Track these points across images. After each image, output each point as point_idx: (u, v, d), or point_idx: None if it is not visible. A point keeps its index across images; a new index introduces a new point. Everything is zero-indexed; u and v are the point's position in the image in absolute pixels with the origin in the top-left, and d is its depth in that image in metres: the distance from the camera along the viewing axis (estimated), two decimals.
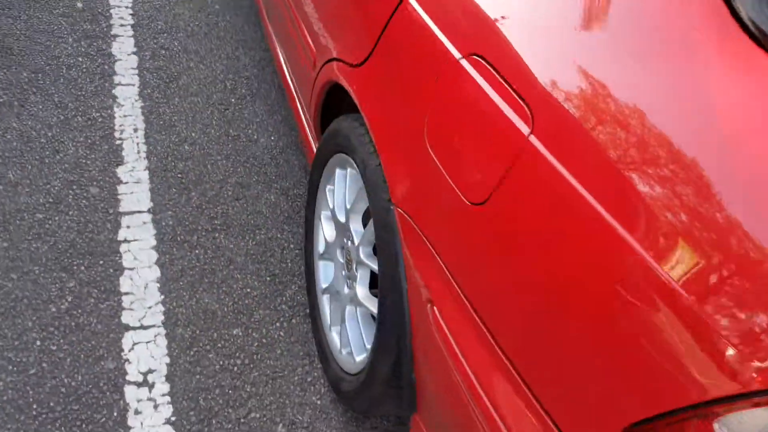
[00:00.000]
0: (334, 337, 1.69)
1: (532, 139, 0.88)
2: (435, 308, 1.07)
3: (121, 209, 2.05)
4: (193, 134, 2.39)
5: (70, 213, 1.99)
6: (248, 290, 1.92)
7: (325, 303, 1.76)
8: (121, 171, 2.18)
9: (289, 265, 2.03)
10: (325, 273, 1.79)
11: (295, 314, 1.89)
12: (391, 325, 1.23)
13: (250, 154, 2.37)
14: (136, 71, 2.62)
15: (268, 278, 1.98)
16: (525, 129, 0.89)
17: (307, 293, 1.87)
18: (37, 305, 1.73)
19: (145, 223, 2.03)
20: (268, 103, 2.62)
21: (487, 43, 0.99)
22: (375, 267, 1.39)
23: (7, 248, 1.85)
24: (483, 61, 0.98)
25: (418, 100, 1.11)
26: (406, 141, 1.14)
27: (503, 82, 0.94)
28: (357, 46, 1.34)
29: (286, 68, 2.14)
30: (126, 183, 2.14)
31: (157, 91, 2.53)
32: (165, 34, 2.84)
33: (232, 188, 2.23)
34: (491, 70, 0.96)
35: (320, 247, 1.80)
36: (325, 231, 1.74)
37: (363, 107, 1.31)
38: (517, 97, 0.92)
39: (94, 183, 2.10)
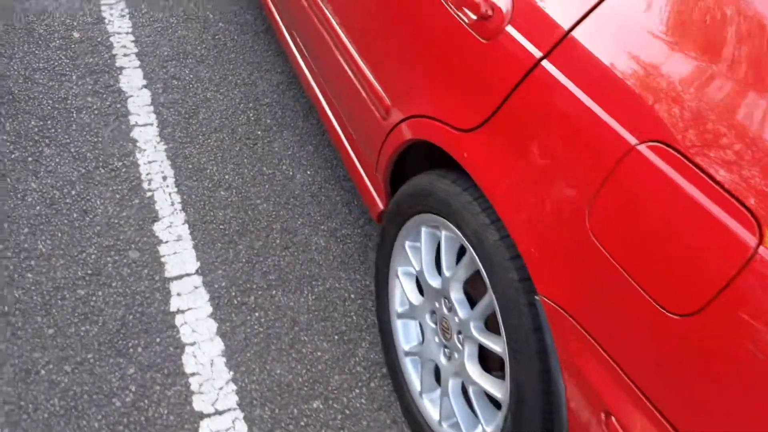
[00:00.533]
0: (428, 405, 1.57)
1: (762, 251, 0.76)
2: (614, 419, 0.95)
3: (167, 274, 1.88)
4: (226, 176, 2.22)
5: (114, 285, 1.82)
6: (319, 353, 1.78)
7: (410, 367, 1.64)
8: (158, 228, 2.00)
9: (355, 318, 1.89)
10: (407, 334, 1.66)
11: (372, 376, 1.76)
12: (535, 424, 1.12)
13: (290, 193, 2.21)
14: (152, 108, 2.43)
15: (336, 337, 1.84)
16: (752, 241, 0.77)
17: (384, 353, 1.73)
18: (99, 400, 1.57)
19: (196, 287, 1.86)
20: (296, 132, 2.45)
21: (673, 127, 0.86)
22: (490, 345, 1.27)
23: (55, 335, 1.67)
24: (672, 151, 0.85)
25: (573, 182, 0.97)
26: (553, 225, 1.01)
27: (709, 180, 0.81)
28: (465, 107, 1.19)
29: (326, 103, 1.97)
30: (167, 242, 1.97)
31: (178, 130, 2.34)
32: (173, 62, 2.64)
33: (279, 235, 2.07)
34: (688, 164, 0.83)
35: (397, 304, 1.67)
36: (406, 289, 1.60)
37: (479, 177, 1.17)
38: (733, 199, 0.79)
39: (133, 246, 1.93)
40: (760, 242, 0.76)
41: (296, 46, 2.21)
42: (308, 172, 2.32)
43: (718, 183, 0.80)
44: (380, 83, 1.52)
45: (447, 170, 1.35)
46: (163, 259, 1.91)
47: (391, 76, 1.47)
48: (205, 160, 2.26)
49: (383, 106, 1.52)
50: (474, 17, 1.17)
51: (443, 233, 1.39)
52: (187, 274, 1.89)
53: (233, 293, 1.87)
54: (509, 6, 1.10)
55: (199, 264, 1.92)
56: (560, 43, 1.01)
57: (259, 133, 2.42)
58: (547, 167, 1.03)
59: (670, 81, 0.88)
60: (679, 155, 0.85)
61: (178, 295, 1.83)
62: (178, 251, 1.95)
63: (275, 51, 2.83)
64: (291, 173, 2.29)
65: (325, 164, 2.35)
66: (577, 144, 0.96)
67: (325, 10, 1.77)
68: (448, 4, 1.23)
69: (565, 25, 1.00)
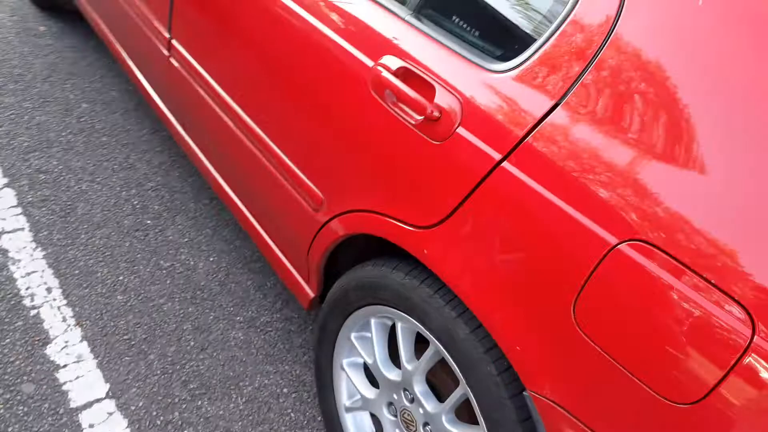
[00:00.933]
0: None
1: (759, 341, 0.81)
2: None
3: (73, 404, 1.65)
4: (120, 278, 2.02)
5: (10, 431, 1.56)
6: None
7: None
8: (52, 351, 1.76)
9: (293, 415, 1.79)
10: (359, 427, 1.59)
11: None
12: None
13: (195, 286, 2.06)
14: (19, 209, 2.16)
15: None
16: (746, 332, 0.82)
17: None
18: None
19: (110, 413, 1.66)
20: (190, 216, 2.31)
21: (652, 225, 0.90)
22: None
23: None
24: (655, 249, 0.89)
25: (554, 280, 0.99)
26: (537, 321, 1.02)
27: (695, 275, 0.86)
28: (419, 205, 1.18)
29: (231, 188, 1.87)
30: (65, 366, 1.74)
31: (55, 231, 2.10)
32: (36, 153, 2.38)
33: (192, 336, 1.91)
34: (672, 260, 0.88)
35: (345, 398, 1.60)
36: (356, 382, 1.54)
37: (445, 273, 1.16)
38: (721, 292, 0.84)
39: (25, 378, 1.68)
40: (754, 332, 0.82)
41: (181, 124, 2.08)
42: (211, 259, 2.18)
43: (704, 277, 0.85)
44: (308, 176, 1.47)
45: (397, 261, 1.33)
46: (64, 387, 1.68)
47: (323, 170, 1.42)
48: (93, 263, 2.04)
49: (313, 199, 1.47)
50: (419, 118, 1.17)
51: (399, 324, 1.35)
52: (97, 400, 1.67)
53: (154, 413, 1.69)
54: (458, 108, 1.11)
55: (108, 386, 1.72)
56: (518, 146, 1.03)
57: (149, 222, 2.24)
58: (521, 264, 1.04)
59: (638, 179, 0.92)
60: (661, 252, 0.89)
61: (91, 426, 1.61)
62: (80, 374, 1.72)
63: (151, 128, 2.65)
64: (192, 263, 2.14)
65: (227, 247, 2.23)
66: (553, 242, 0.98)
67: (232, 103, 1.69)
68: (387, 104, 1.22)
69: (521, 130, 1.03)
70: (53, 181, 2.28)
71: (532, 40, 1.08)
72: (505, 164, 1.04)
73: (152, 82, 2.20)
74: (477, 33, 1.17)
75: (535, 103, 1.03)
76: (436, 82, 1.15)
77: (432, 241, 1.16)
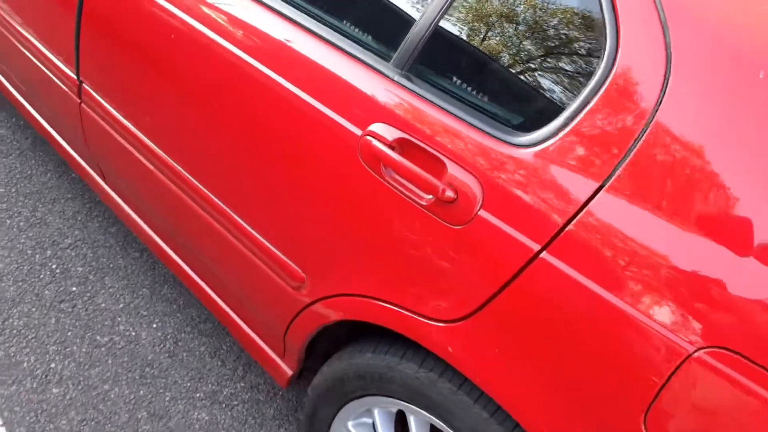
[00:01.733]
0: None
1: None
2: None
3: None
4: (52, 366, 1.74)
5: None
6: None
7: None
8: None
9: None
10: None
11: None
12: None
13: (142, 361, 1.81)
14: None
15: None
16: None
17: None
18: None
19: None
20: (121, 275, 2.03)
21: (730, 331, 0.80)
22: None
23: None
24: (735, 355, 0.79)
25: (619, 387, 0.88)
26: (595, 421, 0.91)
27: None
28: (438, 296, 1.03)
29: (182, 260, 1.64)
30: None
31: None
32: None
33: (150, 425, 1.68)
34: (754, 365, 0.78)
35: None
36: None
37: (475, 374, 1.02)
38: None
39: None
40: None
41: (112, 186, 1.80)
42: (154, 325, 1.92)
43: None
44: (286, 253, 1.27)
45: (401, 348, 1.17)
46: None
47: (304, 247, 1.23)
48: (15, 351, 1.74)
49: (293, 277, 1.28)
50: (428, 197, 1.01)
51: (413, 418, 1.21)
52: None
53: None
54: (477, 188, 0.96)
55: None
56: (560, 235, 0.89)
57: (75, 289, 1.95)
58: (573, 366, 0.91)
59: (707, 274, 0.82)
60: (742, 358, 0.79)
61: None
62: None
63: (56, 170, 2.32)
64: (134, 333, 1.88)
65: (170, 308, 1.98)
66: (613, 344, 0.86)
67: (174, 165, 1.44)
68: (385, 180, 1.04)
69: (562, 217, 0.89)
70: None
71: (560, 108, 0.94)
72: (545, 255, 0.91)
73: (66, 137, 1.88)
74: (485, 97, 1.01)
75: (574, 184, 0.89)
76: (445, 156, 0.99)
77: (458, 338, 1.01)
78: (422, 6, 1.08)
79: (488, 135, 0.96)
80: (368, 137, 1.06)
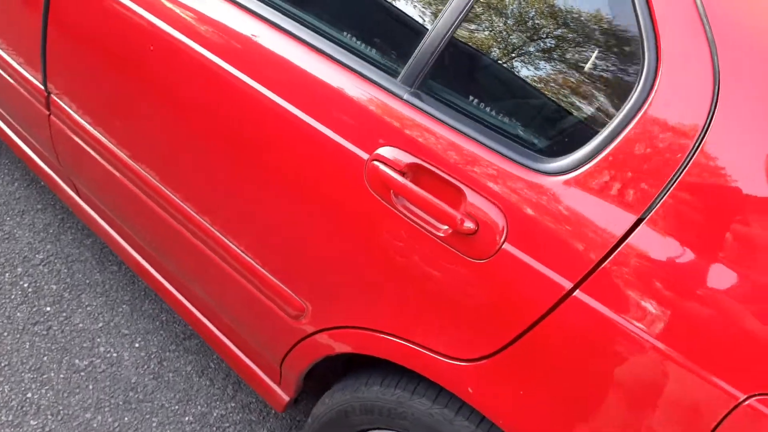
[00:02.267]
0: None
1: None
2: None
3: None
4: (29, 396, 1.63)
5: None
6: None
7: None
8: None
9: None
10: None
11: None
12: None
13: (125, 385, 1.71)
14: None
15: None
16: None
17: None
18: None
19: None
20: (98, 291, 1.92)
21: None
22: None
23: None
24: None
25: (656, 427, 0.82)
26: None
27: None
28: (456, 333, 0.96)
29: (167, 280, 1.54)
30: None
31: None
32: None
33: None
34: None
35: None
36: None
37: (498, 417, 0.95)
38: None
39: None
40: None
41: (86, 201, 1.68)
42: (137, 345, 1.82)
43: None
44: (284, 281, 1.19)
45: (412, 382, 1.10)
46: None
47: (305, 276, 1.14)
48: None
49: (292, 306, 1.19)
50: (444, 228, 0.93)
51: None
52: None
53: None
54: (500, 219, 0.88)
55: None
56: (595, 272, 0.83)
57: (49, 309, 1.83)
58: (609, 412, 0.85)
59: (755, 320, 0.76)
60: None
61: None
62: None
63: (24, 179, 2.18)
64: (115, 355, 1.78)
65: (153, 325, 1.88)
66: (657, 390, 0.80)
67: (178, 201, 1.34)
68: (396, 209, 0.96)
69: (597, 253, 0.82)
70: None
71: (593, 132, 0.86)
72: (578, 294, 0.84)
73: (35, 149, 1.75)
74: (507, 118, 0.93)
75: (610, 216, 0.82)
76: (463, 183, 0.91)
77: (479, 378, 0.94)
78: (434, 16, 0.99)
79: (512, 161, 0.89)
80: (376, 162, 0.97)
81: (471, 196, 0.90)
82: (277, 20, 1.09)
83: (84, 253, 2.01)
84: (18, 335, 1.73)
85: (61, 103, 1.51)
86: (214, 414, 1.71)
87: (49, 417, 1.59)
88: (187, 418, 1.68)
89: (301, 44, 1.06)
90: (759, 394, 0.75)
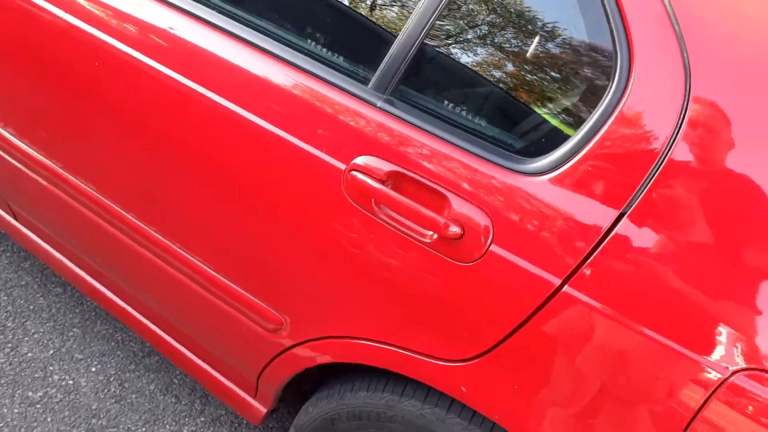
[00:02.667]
0: None
1: None
2: None
3: None
4: None
5: None
6: None
7: None
8: None
9: None
10: None
11: None
12: None
13: (86, 412, 1.64)
14: None
15: None
16: None
17: None
18: None
19: None
20: (44, 316, 1.82)
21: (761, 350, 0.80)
22: None
23: None
24: None
25: (645, 412, 0.86)
26: None
27: None
28: (445, 336, 0.97)
29: (109, 290, 1.48)
30: None
31: None
32: None
33: None
34: None
35: None
36: None
37: (491, 412, 0.98)
38: None
39: None
40: None
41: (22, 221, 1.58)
42: (93, 369, 1.75)
43: None
44: (260, 296, 1.16)
45: (400, 385, 1.11)
46: None
47: (281, 289, 1.13)
48: None
49: (268, 320, 1.17)
50: (429, 233, 0.93)
51: None
52: None
53: None
54: (486, 222, 0.90)
55: None
56: (581, 267, 0.86)
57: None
58: (602, 400, 0.89)
59: (744, 304, 0.81)
60: None
61: None
62: None
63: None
64: (71, 382, 1.70)
65: (108, 346, 1.80)
66: (644, 374, 0.84)
67: (134, 219, 1.27)
68: (378, 218, 0.96)
69: (582, 248, 0.85)
70: None
71: (569, 132, 0.88)
72: (567, 289, 0.86)
73: None
74: (483, 120, 0.95)
75: (593, 212, 0.85)
76: (445, 188, 0.92)
77: (472, 377, 0.96)
78: (401, 21, 0.98)
79: (492, 163, 0.90)
80: (354, 172, 0.96)
81: (454, 201, 0.91)
82: (241, 32, 1.05)
83: (23, 278, 1.90)
84: None
85: None
86: (185, 431, 1.66)
87: None
88: None
89: (265, 55, 1.03)
90: (746, 369, 0.80)
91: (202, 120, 1.06)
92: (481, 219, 0.90)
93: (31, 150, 1.34)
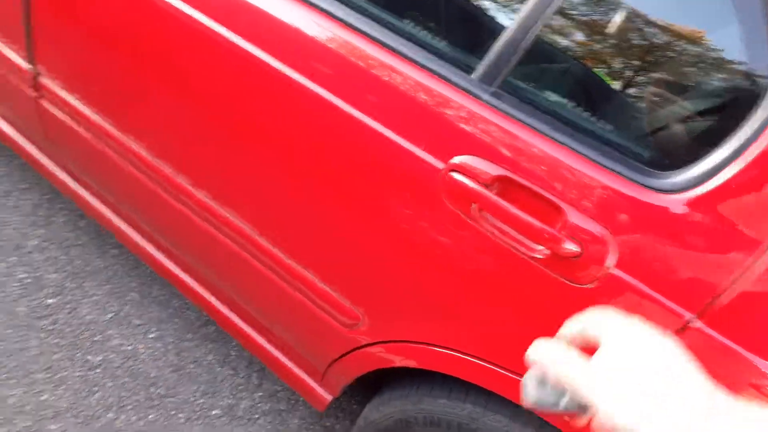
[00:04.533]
0: None
1: None
2: None
3: None
4: (43, 398, 1.53)
5: None
6: None
7: None
8: None
9: None
10: None
11: None
12: None
13: (144, 380, 1.62)
14: None
15: None
16: None
17: None
18: None
19: None
20: (102, 278, 1.80)
21: None
22: None
23: None
24: None
25: None
26: None
27: None
28: None
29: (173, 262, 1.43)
30: None
31: None
32: None
33: None
34: None
35: None
36: None
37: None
38: None
39: None
40: None
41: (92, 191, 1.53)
42: (151, 335, 1.73)
43: None
44: (337, 289, 1.09)
45: (482, 397, 1.04)
46: None
47: (364, 288, 1.05)
48: None
49: (345, 314, 1.10)
50: (542, 249, 0.84)
51: None
52: None
53: None
54: (608, 241, 0.79)
55: None
56: (717, 301, 0.75)
57: (51, 301, 1.71)
58: None
59: None
60: None
61: None
62: None
63: (2, 154, 1.99)
64: (130, 348, 1.68)
65: (165, 313, 1.77)
66: None
67: (229, 215, 1.20)
68: (481, 226, 0.86)
69: (720, 281, 0.74)
70: None
71: (713, 143, 0.76)
72: (699, 325, 0.76)
73: (20, 128, 1.57)
74: (610, 124, 0.83)
75: (736, 240, 0.74)
76: (563, 201, 0.81)
77: None
78: (516, 1, 0.85)
79: (619, 174, 0.79)
80: (453, 173, 0.86)
81: (572, 215, 0.81)
82: (335, 10, 0.94)
83: (80, 237, 1.87)
84: (23, 332, 1.61)
85: (51, 85, 1.34)
86: (242, 405, 1.64)
87: (70, 419, 1.50)
88: (214, 412, 1.61)
89: (359, 35, 0.92)
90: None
91: (292, 104, 0.96)
92: (602, 237, 0.79)
93: (105, 122, 1.27)
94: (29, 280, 1.72)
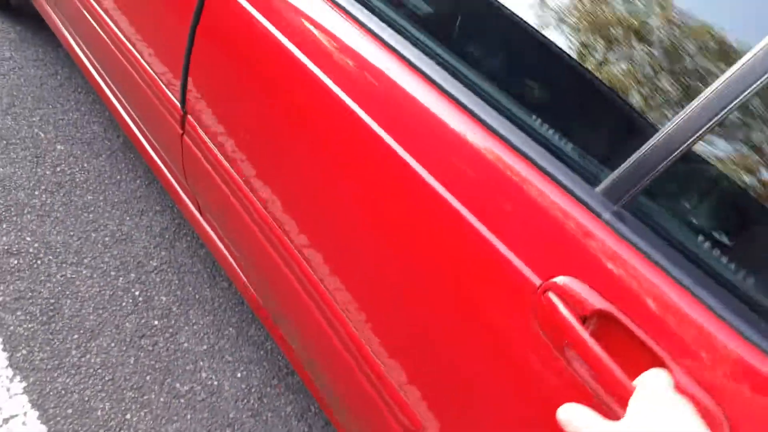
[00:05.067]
0: None
1: None
2: None
3: None
4: (128, 417, 1.57)
5: None
6: None
7: None
8: None
9: None
10: None
11: None
12: None
13: (222, 419, 1.62)
14: None
15: None
16: None
17: None
18: None
19: None
20: (207, 308, 1.84)
21: None
22: None
23: None
24: None
25: None
26: None
27: None
28: None
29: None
30: None
31: (36, 348, 1.63)
32: (3, 225, 1.87)
33: None
34: None
35: None
36: None
37: None
38: None
39: None
40: None
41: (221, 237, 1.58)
42: (239, 375, 1.73)
43: None
44: (406, 392, 1.01)
45: None
46: None
47: (435, 398, 0.96)
48: (91, 394, 1.59)
49: (408, 418, 1.02)
50: None
51: None
52: None
53: None
54: (720, 419, 0.65)
55: None
56: None
57: (157, 323, 1.77)
58: None
59: None
60: None
61: None
62: None
63: (146, 177, 2.14)
64: (216, 383, 1.69)
65: (257, 354, 1.78)
66: None
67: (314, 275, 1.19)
68: (572, 366, 0.75)
69: None
70: (28, 268, 1.78)
71: None
72: None
73: (164, 161, 1.68)
74: (755, 279, 0.69)
75: None
76: (670, 355, 0.68)
77: None
78: (670, 110, 0.75)
79: (750, 342, 0.65)
80: (550, 293, 0.76)
81: (677, 375, 0.68)
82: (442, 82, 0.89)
83: (196, 264, 1.94)
84: (124, 348, 1.69)
85: (196, 125, 1.40)
86: None
87: None
88: None
89: (470, 119, 0.86)
90: None
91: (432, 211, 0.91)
92: (711, 411, 0.66)
93: (243, 177, 1.30)
94: (141, 299, 1.80)
